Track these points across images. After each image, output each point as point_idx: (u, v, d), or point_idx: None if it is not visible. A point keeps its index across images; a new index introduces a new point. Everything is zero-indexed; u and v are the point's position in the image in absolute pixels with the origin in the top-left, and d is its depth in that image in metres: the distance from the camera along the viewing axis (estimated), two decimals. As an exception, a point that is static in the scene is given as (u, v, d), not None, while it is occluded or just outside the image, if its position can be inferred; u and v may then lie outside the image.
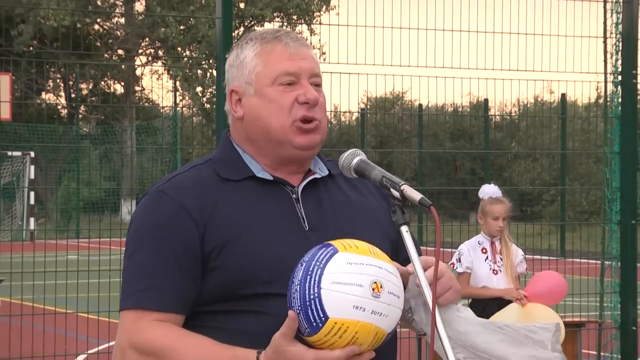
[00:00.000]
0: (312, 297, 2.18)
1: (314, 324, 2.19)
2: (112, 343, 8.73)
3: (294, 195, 2.51)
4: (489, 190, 7.05)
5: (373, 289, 2.18)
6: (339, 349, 2.19)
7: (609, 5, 7.79)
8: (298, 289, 2.21)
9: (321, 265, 2.21)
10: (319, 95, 2.51)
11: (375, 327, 2.19)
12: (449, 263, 7.00)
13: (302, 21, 31.08)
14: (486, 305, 6.73)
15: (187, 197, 2.43)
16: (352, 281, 2.18)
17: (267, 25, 35.55)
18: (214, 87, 25.46)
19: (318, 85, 2.53)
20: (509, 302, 6.74)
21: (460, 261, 6.89)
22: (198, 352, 2.31)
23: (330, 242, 2.27)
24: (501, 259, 6.88)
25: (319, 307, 2.17)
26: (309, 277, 2.20)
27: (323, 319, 2.18)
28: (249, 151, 2.55)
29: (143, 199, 2.50)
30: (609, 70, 7.79)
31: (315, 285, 2.19)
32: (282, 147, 2.49)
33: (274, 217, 2.46)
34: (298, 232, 2.46)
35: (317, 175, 2.56)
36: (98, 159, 27.29)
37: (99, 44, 34.13)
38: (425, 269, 2.31)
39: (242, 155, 2.55)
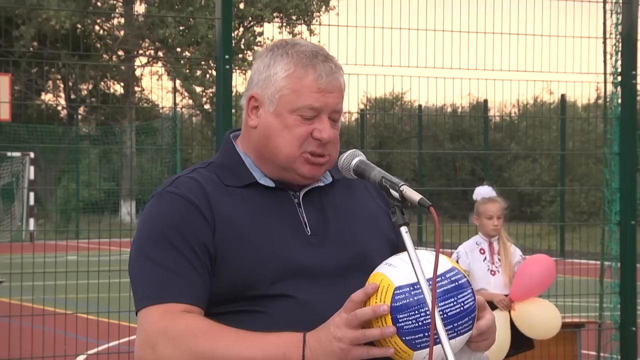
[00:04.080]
0: None
1: None
2: (112, 344, 8.74)
3: (295, 200, 2.52)
4: (482, 191, 7.05)
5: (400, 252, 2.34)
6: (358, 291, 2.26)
7: (608, 6, 7.79)
8: None
9: None
10: (335, 130, 2.50)
11: (380, 274, 2.26)
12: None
13: (302, 21, 31.09)
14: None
15: (195, 196, 2.45)
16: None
17: (267, 27, 35.55)
18: (214, 88, 25.46)
19: (337, 121, 2.52)
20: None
21: (457, 263, 6.87)
22: (245, 335, 2.30)
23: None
24: (499, 259, 6.87)
25: None
26: None
27: None
28: (253, 159, 2.55)
29: (151, 201, 2.50)
30: (608, 71, 7.79)
31: None
32: (286, 171, 2.50)
33: (277, 222, 2.47)
34: (300, 237, 2.47)
35: (321, 184, 2.57)
36: (97, 159, 27.28)
37: (98, 44, 34.14)
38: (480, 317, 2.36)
39: (244, 160, 2.55)
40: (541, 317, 6.64)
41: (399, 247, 2.47)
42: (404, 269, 2.25)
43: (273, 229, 2.45)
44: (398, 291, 2.22)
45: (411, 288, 2.22)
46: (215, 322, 2.34)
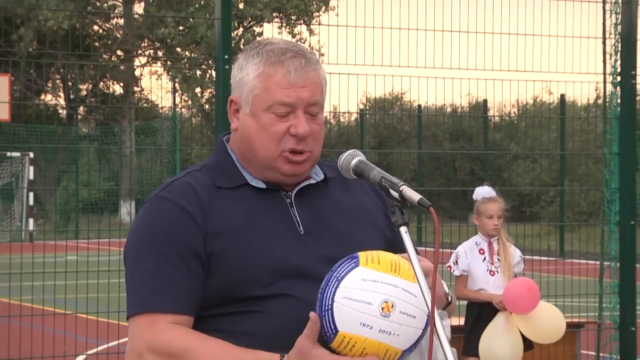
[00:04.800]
0: (326, 308, 2.23)
1: (328, 333, 2.24)
2: (111, 344, 8.74)
3: (288, 200, 2.53)
4: (482, 191, 7.04)
5: (382, 308, 2.21)
6: (358, 357, 2.22)
7: (608, 6, 7.79)
8: (319, 296, 2.26)
9: (339, 278, 2.25)
10: (315, 124, 2.49)
11: (385, 345, 2.22)
12: (446, 265, 7.00)
13: (302, 22, 31.09)
14: (481, 309, 6.71)
15: (187, 201, 2.45)
16: (362, 298, 2.21)
17: (267, 27, 35.53)
18: (213, 88, 25.45)
19: (315, 114, 2.50)
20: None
21: (457, 264, 6.88)
22: (221, 354, 2.32)
23: (357, 253, 2.29)
24: (499, 259, 6.87)
25: (330, 320, 2.23)
26: (327, 288, 2.25)
27: (334, 331, 2.22)
28: (241, 161, 2.56)
29: (143, 206, 2.52)
30: (608, 71, 7.79)
31: (330, 298, 2.23)
32: (269, 171, 2.51)
33: (269, 222, 2.47)
34: (293, 236, 2.47)
35: (312, 181, 2.57)
36: (97, 159, 27.28)
37: (98, 44, 34.13)
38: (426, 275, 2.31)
39: (236, 162, 2.57)
40: (544, 322, 6.57)
41: (395, 245, 2.47)
42: (407, 333, 2.23)
43: (265, 230, 2.45)
44: (408, 351, 2.26)
45: (413, 344, 2.26)
46: (198, 338, 2.35)
